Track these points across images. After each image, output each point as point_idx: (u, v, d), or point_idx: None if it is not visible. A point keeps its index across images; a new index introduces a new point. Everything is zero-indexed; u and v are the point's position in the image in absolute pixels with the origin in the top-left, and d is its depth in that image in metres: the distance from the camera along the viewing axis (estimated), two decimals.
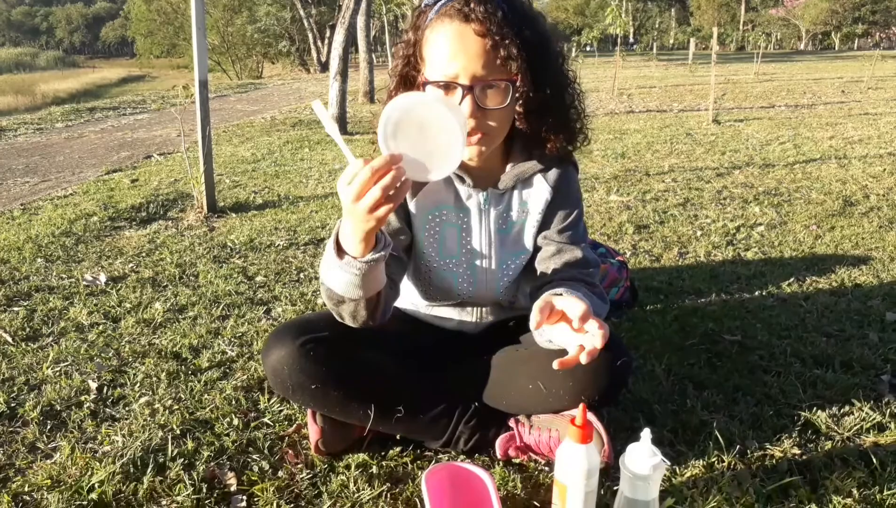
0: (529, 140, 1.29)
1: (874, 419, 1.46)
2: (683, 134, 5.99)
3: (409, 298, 1.47)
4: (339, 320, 1.21)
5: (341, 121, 6.64)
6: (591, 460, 1.08)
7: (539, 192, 1.33)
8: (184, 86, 3.60)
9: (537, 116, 1.23)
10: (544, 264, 1.33)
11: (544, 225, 1.34)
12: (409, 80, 1.25)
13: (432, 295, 1.43)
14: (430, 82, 1.17)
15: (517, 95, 1.18)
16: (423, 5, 1.20)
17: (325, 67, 22.74)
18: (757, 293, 2.22)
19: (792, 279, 2.32)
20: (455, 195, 1.33)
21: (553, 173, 1.32)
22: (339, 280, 1.11)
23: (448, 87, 1.16)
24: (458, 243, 1.35)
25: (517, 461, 1.35)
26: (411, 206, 1.32)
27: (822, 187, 3.72)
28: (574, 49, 19.38)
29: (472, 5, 1.13)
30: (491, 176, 1.32)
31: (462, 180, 1.30)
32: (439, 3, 1.17)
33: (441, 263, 1.37)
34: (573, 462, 1.07)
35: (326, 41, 24.67)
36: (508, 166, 1.31)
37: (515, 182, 1.32)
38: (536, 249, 1.37)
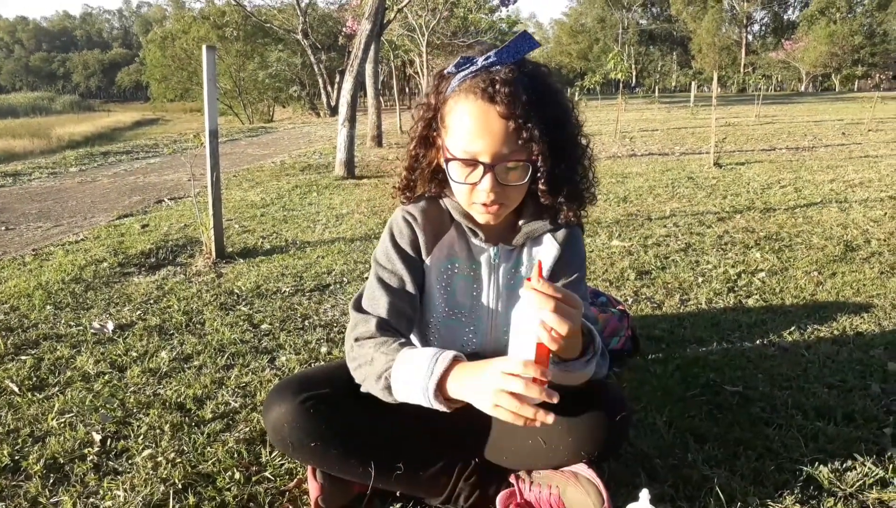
0: (543, 205, 1.33)
1: (877, 474, 1.46)
2: (685, 177, 6.04)
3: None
4: (362, 387, 1.24)
5: (349, 165, 6.74)
6: None
7: (548, 249, 1.36)
8: (195, 135, 3.68)
9: (553, 188, 1.27)
10: None
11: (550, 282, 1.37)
12: (429, 140, 1.28)
13: (437, 345, 1.45)
14: (453, 159, 1.21)
15: (536, 173, 1.22)
16: (445, 71, 1.23)
17: (334, 111, 23.11)
18: (758, 342, 2.22)
19: (793, 328, 2.32)
20: (468, 249, 1.36)
21: (561, 233, 1.36)
22: (415, 400, 1.14)
23: (470, 162, 1.19)
24: (469, 294, 1.38)
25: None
26: (427, 260, 1.35)
27: (823, 232, 3.74)
28: (577, 93, 19.68)
29: (497, 87, 1.15)
30: (503, 232, 1.35)
31: (475, 235, 1.34)
32: (463, 73, 1.19)
33: (449, 313, 1.39)
34: None
35: (336, 86, 25.16)
36: (521, 223, 1.35)
37: (526, 239, 1.36)
38: None
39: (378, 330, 1.25)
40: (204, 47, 3.31)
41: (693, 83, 23.11)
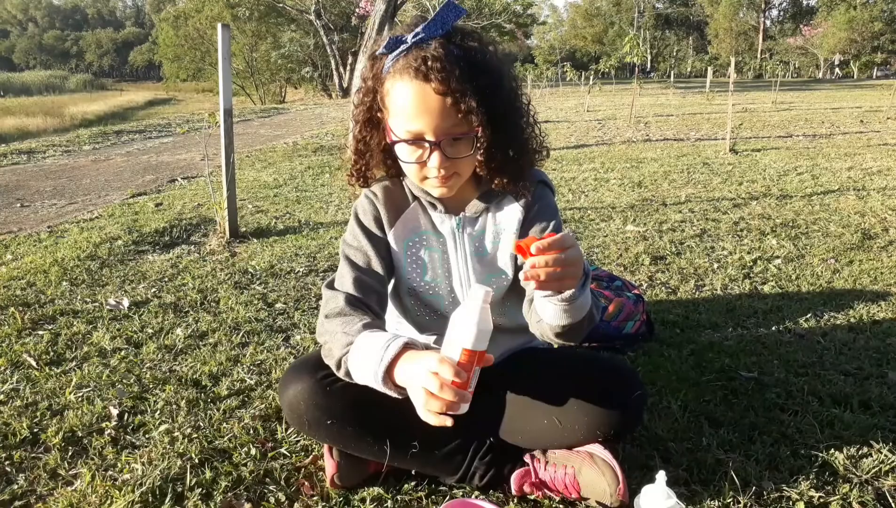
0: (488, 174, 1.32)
1: (893, 461, 1.45)
2: (700, 163, 5.99)
3: (419, 338, 1.49)
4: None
5: None
6: None
7: (511, 212, 1.36)
8: (210, 114, 3.67)
9: (491, 157, 1.25)
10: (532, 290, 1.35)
11: None
12: (373, 122, 1.28)
13: (426, 325, 1.45)
14: (399, 141, 1.21)
15: (480, 142, 1.21)
16: (377, 53, 1.22)
17: (346, 92, 23.06)
18: (774, 329, 2.21)
19: (809, 315, 2.31)
20: (431, 223, 1.37)
21: (525, 194, 1.35)
22: (369, 384, 1.14)
23: (415, 142, 1.20)
24: (440, 265, 1.39)
25: (532, 497, 1.35)
26: (389, 238, 1.36)
27: (840, 220, 3.70)
28: (591, 77, 19.50)
29: (429, 64, 1.14)
30: (462, 202, 1.36)
31: (434, 207, 1.35)
32: (394, 53, 1.19)
33: (425, 286, 1.40)
34: None
35: (348, 67, 25.05)
36: (477, 191, 1.36)
37: (487, 206, 1.36)
38: (519, 269, 1.38)
39: (346, 305, 1.25)
40: (219, 25, 3.30)
41: (709, 68, 22.84)
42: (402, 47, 1.17)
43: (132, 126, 11.99)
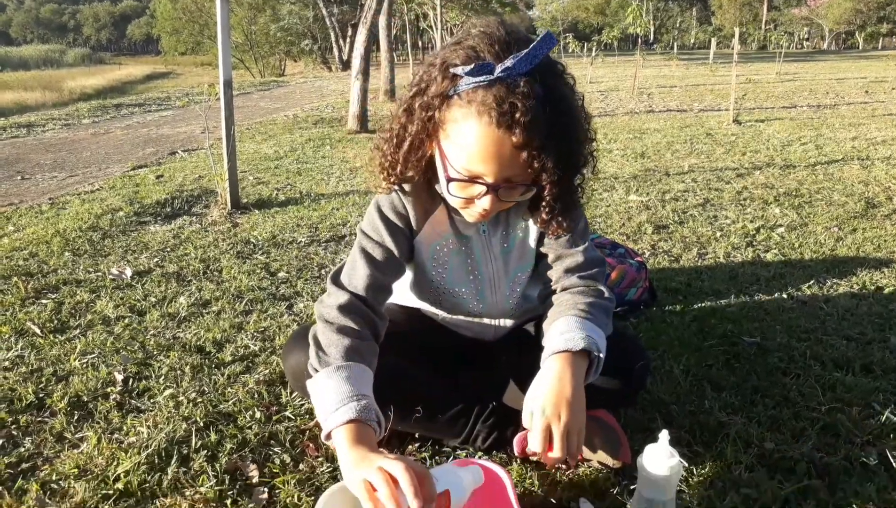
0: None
1: (895, 423, 1.46)
2: (703, 134, 5.94)
3: (423, 304, 1.49)
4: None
5: (363, 118, 6.68)
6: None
7: (531, 227, 1.35)
8: (209, 85, 3.64)
9: (552, 212, 1.18)
10: (547, 270, 1.36)
11: (544, 233, 1.35)
12: (426, 130, 1.15)
13: (445, 310, 1.46)
14: (453, 180, 1.14)
15: (543, 196, 1.14)
16: (453, 71, 1.07)
17: (346, 65, 22.84)
18: (776, 295, 2.21)
19: (812, 282, 2.30)
20: (456, 225, 1.33)
21: None
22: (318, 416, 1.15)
23: (470, 180, 1.13)
24: (465, 270, 1.37)
25: (534, 459, 1.36)
26: (417, 240, 1.32)
27: (844, 189, 3.68)
28: (594, 48, 19.29)
29: (515, 115, 1.02)
30: None
31: (458, 212, 1.28)
32: (473, 80, 1.05)
33: (450, 290, 1.39)
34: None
35: (348, 40, 24.80)
36: None
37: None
38: (541, 253, 1.38)
39: (347, 312, 1.21)
40: None
41: (713, 40, 22.56)
42: (486, 78, 1.04)
43: (131, 100, 11.92)
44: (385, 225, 1.29)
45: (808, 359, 1.75)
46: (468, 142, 1.08)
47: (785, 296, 2.20)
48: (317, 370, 1.17)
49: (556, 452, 1.11)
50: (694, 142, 5.51)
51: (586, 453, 1.31)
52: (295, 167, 4.76)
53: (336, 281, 1.27)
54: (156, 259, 2.69)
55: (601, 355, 1.19)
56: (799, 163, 4.50)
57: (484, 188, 1.12)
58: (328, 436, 1.11)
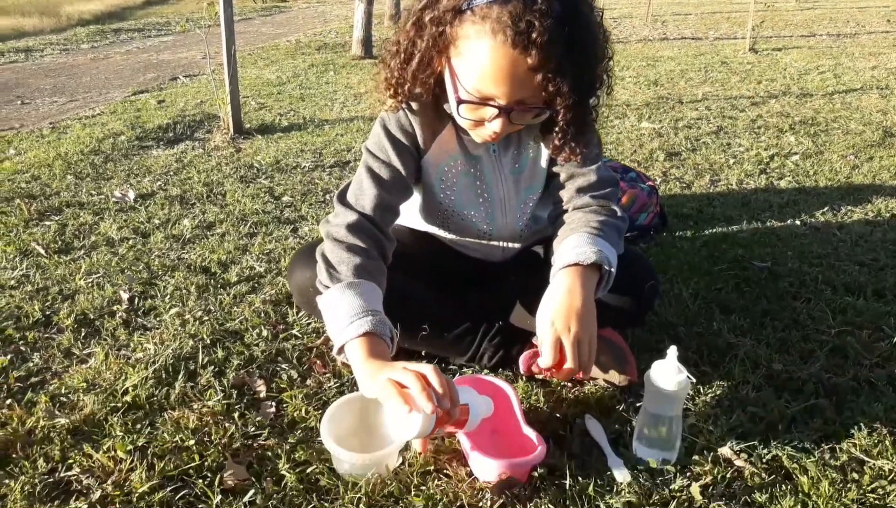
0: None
1: None
2: (719, 62, 5.76)
3: (431, 227, 1.46)
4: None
5: (367, 44, 6.49)
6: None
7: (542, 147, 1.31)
8: (209, 4, 3.52)
9: (565, 139, 1.16)
10: (559, 190, 1.32)
11: None
12: (436, 47, 1.10)
13: (453, 233, 1.43)
14: (463, 102, 1.09)
15: (557, 120, 1.11)
16: None
17: None
18: (789, 222, 2.17)
19: (826, 208, 2.26)
20: (463, 144, 1.29)
21: None
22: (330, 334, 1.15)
23: (482, 102, 1.08)
24: (475, 192, 1.34)
25: (540, 377, 1.36)
26: (425, 161, 1.29)
27: (861, 118, 3.58)
28: None
29: (532, 36, 0.98)
30: None
31: (466, 132, 1.24)
32: None
33: (459, 213, 1.36)
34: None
35: None
36: None
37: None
38: (552, 173, 1.35)
39: (356, 231, 1.18)
40: None
41: None
42: None
43: (131, 24, 11.60)
44: (391, 144, 1.25)
45: (820, 284, 1.73)
46: (481, 62, 1.04)
47: (798, 222, 2.17)
48: (327, 287, 1.15)
49: (569, 363, 1.10)
50: (708, 70, 5.35)
51: (593, 371, 1.31)
52: (298, 93, 4.66)
53: (343, 201, 1.25)
54: (159, 183, 2.65)
55: (612, 269, 1.17)
56: (816, 92, 4.37)
57: (495, 111, 1.09)
58: (340, 350, 1.10)
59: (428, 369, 0.98)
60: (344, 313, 1.09)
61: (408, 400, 0.96)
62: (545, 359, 1.12)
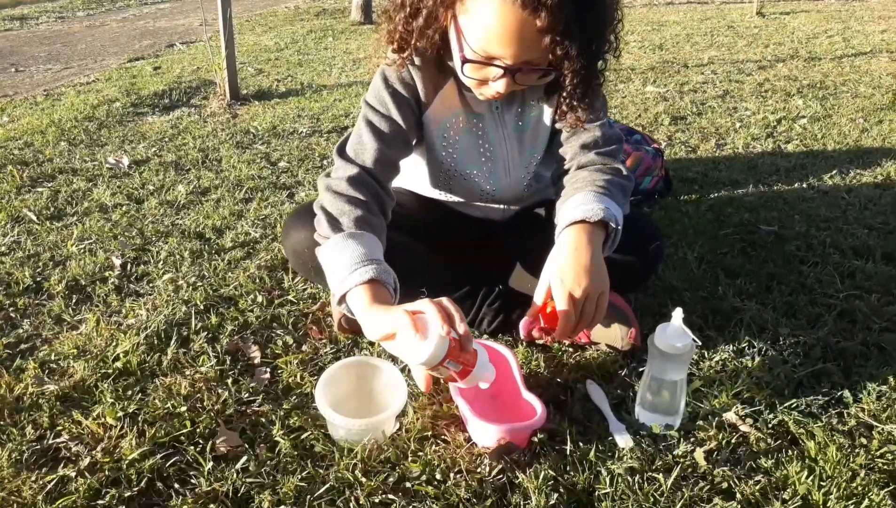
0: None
1: None
2: (725, 27, 5.65)
3: (433, 191, 1.42)
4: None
5: (366, 9, 6.37)
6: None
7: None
8: None
9: (573, 102, 1.15)
10: (562, 148, 1.28)
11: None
12: (444, 3, 1.07)
13: (457, 195, 1.39)
14: (468, 61, 1.06)
15: (563, 82, 1.08)
16: None
17: None
18: (797, 185, 2.12)
19: (834, 172, 2.21)
20: (466, 101, 1.25)
21: None
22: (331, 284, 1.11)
23: (487, 62, 1.05)
24: (477, 151, 1.30)
25: (540, 342, 1.33)
26: (426, 117, 1.25)
27: (871, 81, 3.50)
28: None
29: None
30: None
31: (469, 89, 1.20)
32: None
33: (462, 172, 1.32)
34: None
35: None
36: None
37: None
38: (555, 130, 1.30)
39: (356, 184, 1.15)
40: None
41: None
42: None
43: None
44: (392, 97, 1.21)
45: (828, 247, 1.69)
46: (488, 21, 1.01)
47: (805, 186, 2.12)
48: (327, 239, 1.12)
49: (582, 318, 1.07)
50: (715, 34, 5.24)
51: (594, 335, 1.28)
52: (296, 59, 4.57)
53: (343, 154, 1.22)
54: (153, 149, 2.60)
55: (619, 227, 1.13)
56: (825, 55, 4.27)
57: (500, 71, 1.06)
58: (341, 300, 1.07)
59: (444, 299, 0.99)
60: (346, 262, 1.06)
61: (417, 327, 0.95)
62: (563, 314, 1.07)
